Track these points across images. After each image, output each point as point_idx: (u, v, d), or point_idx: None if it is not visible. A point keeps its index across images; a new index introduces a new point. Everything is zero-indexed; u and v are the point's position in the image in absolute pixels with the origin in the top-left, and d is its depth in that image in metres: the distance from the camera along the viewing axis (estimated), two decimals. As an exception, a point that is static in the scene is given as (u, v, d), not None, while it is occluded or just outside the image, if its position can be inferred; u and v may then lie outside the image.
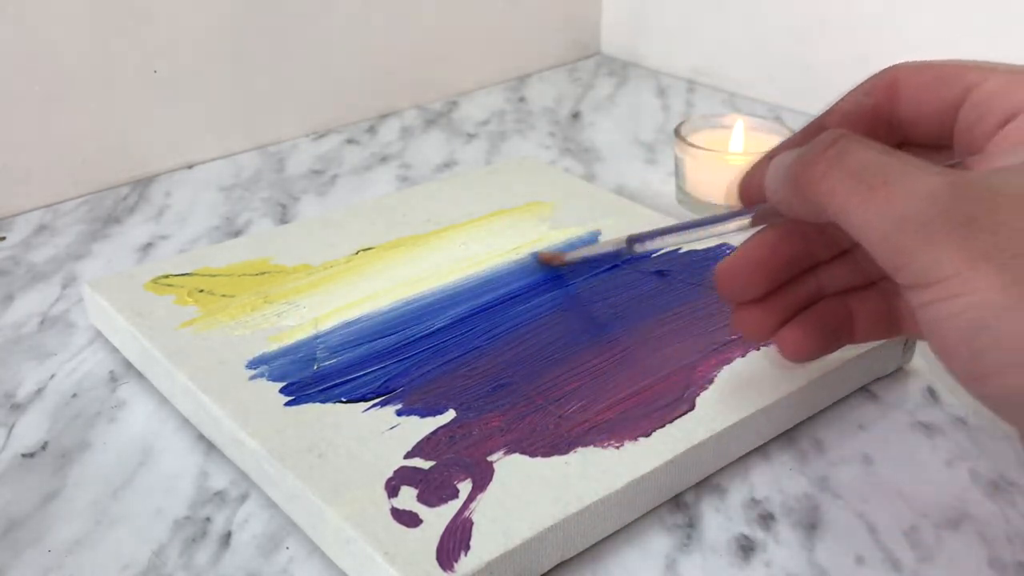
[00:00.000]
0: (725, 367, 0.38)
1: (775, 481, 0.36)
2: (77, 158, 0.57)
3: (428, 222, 0.49)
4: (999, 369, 0.23)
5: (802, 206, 0.28)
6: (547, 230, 0.48)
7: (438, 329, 0.40)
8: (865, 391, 0.40)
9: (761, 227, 0.32)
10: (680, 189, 0.54)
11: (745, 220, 0.32)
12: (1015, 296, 0.23)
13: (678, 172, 0.53)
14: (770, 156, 0.31)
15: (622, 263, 0.44)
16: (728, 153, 0.52)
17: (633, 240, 0.37)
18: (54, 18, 0.54)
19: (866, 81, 0.32)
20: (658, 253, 0.45)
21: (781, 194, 0.28)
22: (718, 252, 0.46)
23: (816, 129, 0.32)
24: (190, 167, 0.62)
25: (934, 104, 0.31)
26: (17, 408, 0.40)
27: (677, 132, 0.53)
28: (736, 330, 0.33)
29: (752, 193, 0.32)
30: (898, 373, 0.41)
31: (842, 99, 0.32)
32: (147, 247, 0.52)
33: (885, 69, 0.32)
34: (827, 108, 0.33)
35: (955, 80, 0.30)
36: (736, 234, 0.33)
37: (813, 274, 0.33)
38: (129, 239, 0.53)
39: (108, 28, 0.56)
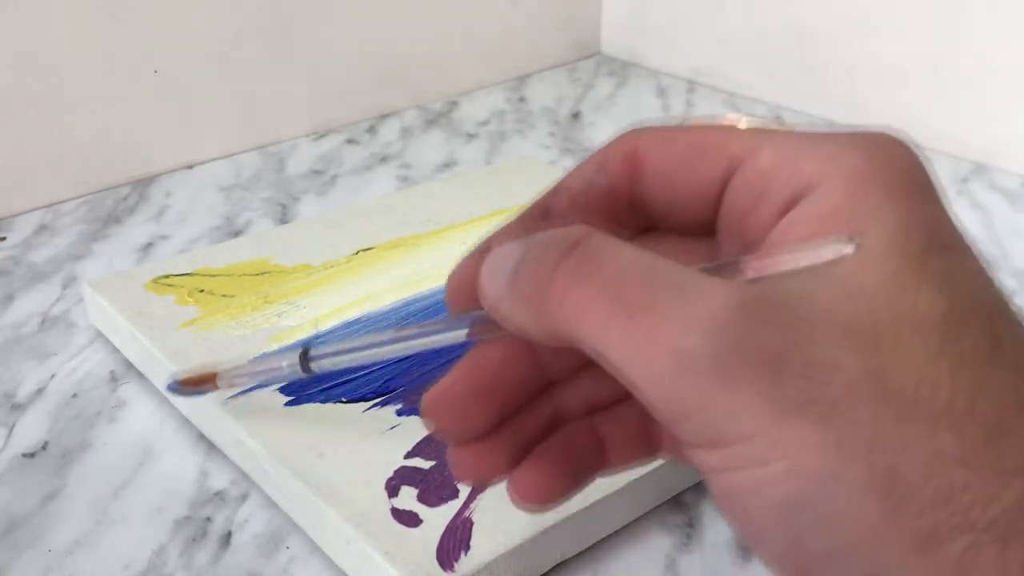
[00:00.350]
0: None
1: (775, 481, 0.36)
2: (77, 158, 0.57)
3: (428, 222, 0.49)
4: (826, 560, 0.18)
5: (535, 328, 0.21)
6: (547, 230, 0.48)
7: (438, 329, 0.40)
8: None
9: (480, 341, 0.24)
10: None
11: (460, 333, 0.24)
12: (840, 461, 0.17)
13: (678, 172, 0.53)
14: (483, 250, 0.23)
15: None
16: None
17: (309, 359, 0.28)
18: (54, 18, 0.54)
19: (599, 151, 0.24)
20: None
21: (504, 309, 0.21)
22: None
23: (540, 214, 0.25)
24: (190, 167, 0.62)
25: (690, 183, 0.23)
26: (17, 408, 0.40)
27: (677, 132, 0.53)
28: (456, 475, 0.24)
29: (464, 299, 0.24)
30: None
31: (570, 174, 0.25)
32: (147, 247, 0.52)
33: (622, 135, 0.24)
34: (550, 186, 0.25)
35: (715, 151, 0.23)
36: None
37: (548, 395, 0.25)
38: (129, 239, 0.53)
39: (108, 28, 0.56)
